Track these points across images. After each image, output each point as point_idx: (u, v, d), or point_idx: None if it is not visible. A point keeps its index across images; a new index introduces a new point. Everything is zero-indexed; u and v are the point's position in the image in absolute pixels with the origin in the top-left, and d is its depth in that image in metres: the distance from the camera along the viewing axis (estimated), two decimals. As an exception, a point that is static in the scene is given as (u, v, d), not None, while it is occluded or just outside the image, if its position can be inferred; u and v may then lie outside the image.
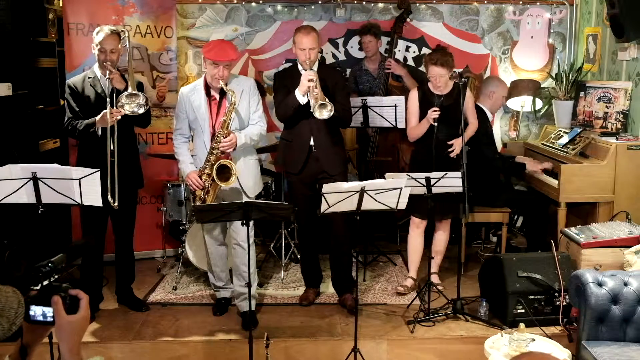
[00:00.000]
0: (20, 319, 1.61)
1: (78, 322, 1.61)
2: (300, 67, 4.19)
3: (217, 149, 3.85)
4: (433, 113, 4.21)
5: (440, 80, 4.27)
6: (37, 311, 1.60)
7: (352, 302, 4.07)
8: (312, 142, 4.21)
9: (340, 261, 4.35)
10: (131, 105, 3.89)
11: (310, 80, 3.95)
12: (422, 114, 4.36)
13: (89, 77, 4.06)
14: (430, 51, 4.52)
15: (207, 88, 3.97)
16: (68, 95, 4.06)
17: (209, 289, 4.60)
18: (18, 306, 1.62)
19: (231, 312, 4.24)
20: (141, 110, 3.92)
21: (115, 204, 3.95)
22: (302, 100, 4.05)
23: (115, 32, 4.03)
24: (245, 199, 3.69)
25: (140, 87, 4.12)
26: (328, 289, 4.55)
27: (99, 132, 3.93)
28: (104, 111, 3.87)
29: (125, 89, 3.93)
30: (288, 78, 4.22)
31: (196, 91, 4.00)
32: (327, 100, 3.94)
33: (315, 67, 4.13)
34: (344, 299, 4.31)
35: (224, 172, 3.81)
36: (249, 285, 3.44)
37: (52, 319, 1.59)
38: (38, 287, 1.64)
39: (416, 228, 4.48)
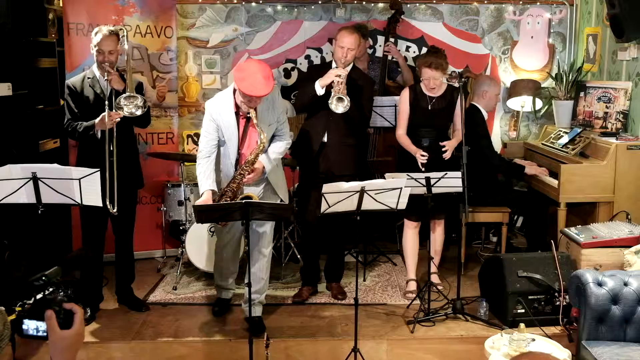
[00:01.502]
0: (5, 340, 1.56)
1: (72, 337, 1.55)
2: (334, 66, 4.21)
3: (239, 181, 3.77)
4: (421, 158, 4.20)
5: (434, 82, 4.26)
6: (30, 325, 1.55)
7: (336, 291, 4.46)
8: (325, 139, 4.24)
9: (333, 251, 4.54)
10: (129, 107, 3.86)
11: (337, 76, 3.98)
12: (413, 114, 4.35)
13: (88, 78, 4.05)
14: (424, 53, 4.48)
15: (237, 105, 3.77)
16: (67, 96, 4.05)
17: (209, 288, 4.60)
18: (3, 328, 1.57)
19: (231, 312, 4.24)
20: (139, 112, 3.89)
21: (114, 210, 3.94)
22: (320, 91, 4.06)
23: (113, 32, 3.99)
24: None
25: (139, 87, 4.12)
26: (326, 289, 4.57)
27: (99, 135, 3.93)
28: (103, 114, 3.85)
29: (124, 90, 3.91)
30: (317, 73, 4.22)
31: (225, 109, 3.79)
32: (346, 96, 3.95)
33: (348, 69, 4.15)
34: (329, 286, 4.54)
35: None
36: (248, 285, 3.42)
37: (45, 334, 1.54)
38: (31, 301, 1.59)
39: (411, 229, 4.48)
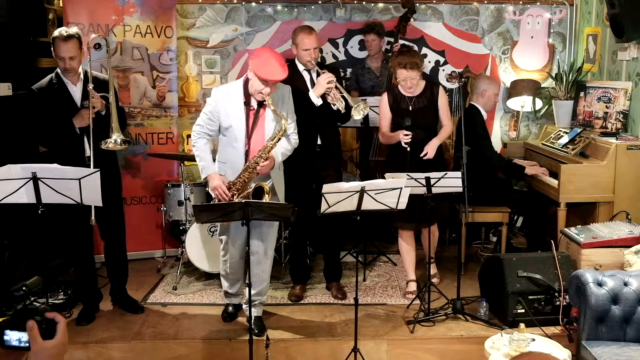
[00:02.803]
0: None
1: (54, 347, 1.51)
2: (301, 67, 4.19)
3: (253, 168, 3.72)
4: (405, 137, 4.14)
5: (411, 82, 4.22)
6: (12, 336, 1.51)
7: (335, 291, 4.44)
8: (319, 142, 4.25)
9: (329, 251, 4.55)
10: (112, 139, 3.80)
11: (329, 83, 3.94)
12: (395, 117, 4.32)
13: (54, 83, 3.92)
14: (397, 53, 4.42)
15: (246, 96, 3.75)
16: (32, 103, 3.90)
17: (209, 288, 4.60)
18: None
19: (231, 312, 4.24)
20: (119, 141, 3.79)
21: (92, 219, 3.79)
22: (317, 102, 4.03)
23: (72, 36, 3.80)
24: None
25: (104, 85, 3.97)
26: (326, 289, 4.58)
27: (78, 131, 3.86)
28: (80, 111, 3.82)
29: (108, 111, 3.84)
30: (289, 78, 4.21)
31: (233, 98, 3.75)
32: (356, 99, 3.97)
33: (330, 76, 4.06)
34: (330, 286, 4.53)
35: (257, 194, 3.71)
36: (248, 285, 3.42)
37: (27, 345, 1.50)
38: (11, 312, 1.54)
39: (406, 235, 4.46)
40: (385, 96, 4.39)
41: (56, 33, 3.84)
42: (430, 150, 4.24)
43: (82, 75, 3.95)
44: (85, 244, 4.11)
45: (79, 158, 3.86)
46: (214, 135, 3.87)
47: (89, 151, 3.86)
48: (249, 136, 3.77)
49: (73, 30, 3.89)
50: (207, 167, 3.80)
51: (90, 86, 3.80)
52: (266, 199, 3.67)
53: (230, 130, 3.78)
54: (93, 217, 3.78)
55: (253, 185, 3.75)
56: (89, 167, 3.73)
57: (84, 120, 3.82)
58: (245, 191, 3.74)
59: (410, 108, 4.30)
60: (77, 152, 3.90)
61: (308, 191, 4.24)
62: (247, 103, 3.76)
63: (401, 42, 5.45)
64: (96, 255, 4.33)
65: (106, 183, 3.84)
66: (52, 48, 3.88)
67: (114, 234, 4.18)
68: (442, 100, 4.37)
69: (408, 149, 4.13)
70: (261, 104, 3.76)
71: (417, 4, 5.68)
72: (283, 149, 3.84)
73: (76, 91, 3.94)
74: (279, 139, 3.72)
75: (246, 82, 3.75)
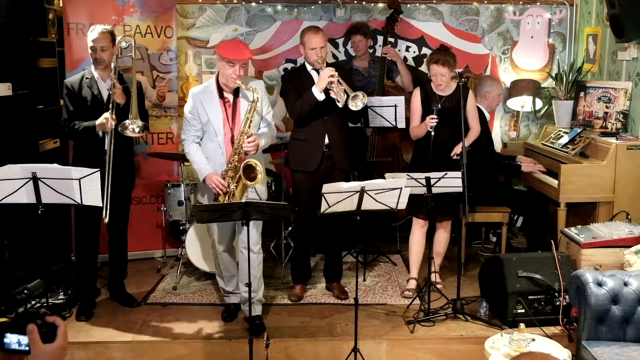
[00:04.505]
0: None
1: (54, 351, 1.53)
2: (309, 67, 4.23)
3: (240, 149, 3.74)
4: (431, 121, 4.15)
5: (440, 79, 4.25)
6: (12, 339, 1.53)
7: (338, 292, 4.46)
8: (327, 141, 4.24)
9: (330, 251, 4.55)
10: (132, 125, 3.90)
11: (331, 76, 3.97)
12: (425, 113, 4.33)
13: (87, 78, 4.09)
14: (433, 50, 4.49)
15: (219, 90, 3.87)
16: (65, 96, 4.10)
17: (209, 288, 4.61)
18: None
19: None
20: (137, 130, 3.91)
21: (106, 219, 3.87)
22: (320, 97, 4.05)
23: (107, 30, 4.03)
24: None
25: (139, 89, 4.12)
26: (326, 289, 4.58)
27: (100, 134, 3.98)
28: (104, 116, 3.89)
29: (127, 104, 3.93)
30: (297, 79, 4.25)
31: (208, 93, 3.87)
32: (356, 91, 3.99)
33: (331, 70, 4.09)
34: (330, 286, 4.54)
35: (249, 172, 3.71)
36: (248, 285, 3.42)
37: (27, 348, 1.52)
38: (12, 315, 1.57)
39: (419, 229, 4.46)
40: (417, 91, 4.41)
41: (92, 27, 4.08)
42: (457, 148, 4.26)
43: (112, 73, 4.09)
44: (91, 241, 4.17)
45: (98, 151, 3.97)
46: (201, 134, 3.94)
47: (110, 146, 3.96)
48: (230, 128, 3.85)
49: (109, 26, 4.15)
50: (203, 169, 3.85)
51: (115, 77, 3.96)
52: (258, 172, 3.67)
53: (209, 124, 3.86)
54: (106, 215, 3.85)
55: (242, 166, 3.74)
56: (105, 160, 3.88)
57: (106, 129, 3.93)
58: (237, 174, 3.74)
59: (440, 106, 4.31)
60: (98, 145, 4.00)
61: (313, 191, 4.23)
62: (221, 96, 3.86)
63: (400, 41, 5.48)
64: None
65: (120, 176, 4.00)
66: (87, 40, 4.07)
67: (119, 228, 4.25)
68: (471, 102, 4.40)
69: (432, 133, 4.14)
70: (236, 95, 3.84)
71: (418, 4, 5.71)
72: (264, 135, 3.89)
73: (104, 87, 4.08)
74: (254, 109, 3.77)
75: (218, 77, 3.87)
